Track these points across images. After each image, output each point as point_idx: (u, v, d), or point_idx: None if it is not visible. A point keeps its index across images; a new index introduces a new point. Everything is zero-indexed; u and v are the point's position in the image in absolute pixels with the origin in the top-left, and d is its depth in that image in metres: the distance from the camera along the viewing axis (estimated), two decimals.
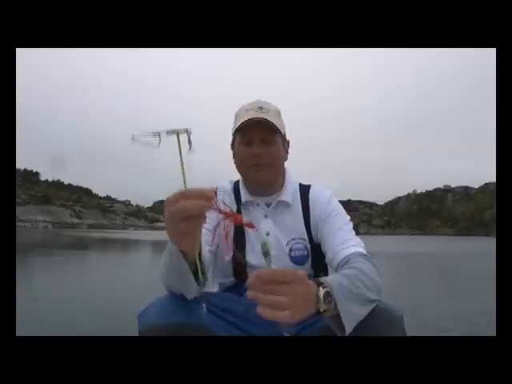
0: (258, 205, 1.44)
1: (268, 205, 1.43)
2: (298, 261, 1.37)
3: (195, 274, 0.97)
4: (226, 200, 1.42)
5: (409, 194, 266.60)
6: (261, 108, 1.37)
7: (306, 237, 1.39)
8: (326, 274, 1.40)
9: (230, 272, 1.37)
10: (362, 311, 1.00)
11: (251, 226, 0.90)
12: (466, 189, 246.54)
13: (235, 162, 1.46)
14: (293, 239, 1.39)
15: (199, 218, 0.79)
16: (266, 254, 0.86)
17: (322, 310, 0.89)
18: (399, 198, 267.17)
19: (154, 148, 0.77)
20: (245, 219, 0.87)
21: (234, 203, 1.45)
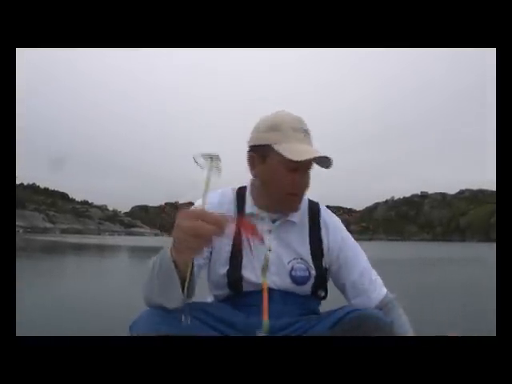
0: (262, 219, 1.38)
1: (273, 220, 1.38)
2: (298, 281, 1.33)
3: (182, 285, 1.00)
4: (225, 209, 1.37)
5: (386, 201, 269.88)
6: (306, 131, 1.32)
7: (309, 257, 1.36)
8: (326, 293, 1.39)
9: (224, 284, 1.34)
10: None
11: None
12: (443, 195, 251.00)
13: (264, 180, 1.36)
14: (295, 258, 1.35)
15: (208, 241, 0.88)
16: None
17: None
18: (377, 204, 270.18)
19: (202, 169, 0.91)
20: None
21: (235, 212, 1.38)
